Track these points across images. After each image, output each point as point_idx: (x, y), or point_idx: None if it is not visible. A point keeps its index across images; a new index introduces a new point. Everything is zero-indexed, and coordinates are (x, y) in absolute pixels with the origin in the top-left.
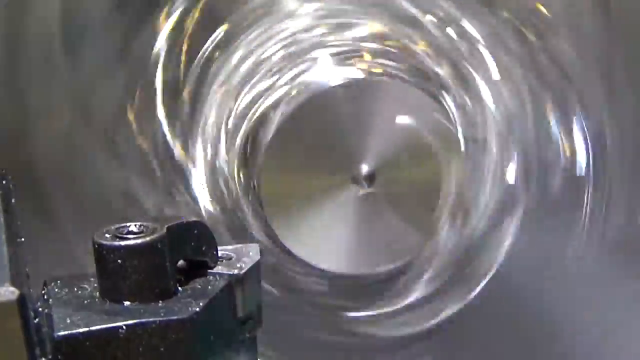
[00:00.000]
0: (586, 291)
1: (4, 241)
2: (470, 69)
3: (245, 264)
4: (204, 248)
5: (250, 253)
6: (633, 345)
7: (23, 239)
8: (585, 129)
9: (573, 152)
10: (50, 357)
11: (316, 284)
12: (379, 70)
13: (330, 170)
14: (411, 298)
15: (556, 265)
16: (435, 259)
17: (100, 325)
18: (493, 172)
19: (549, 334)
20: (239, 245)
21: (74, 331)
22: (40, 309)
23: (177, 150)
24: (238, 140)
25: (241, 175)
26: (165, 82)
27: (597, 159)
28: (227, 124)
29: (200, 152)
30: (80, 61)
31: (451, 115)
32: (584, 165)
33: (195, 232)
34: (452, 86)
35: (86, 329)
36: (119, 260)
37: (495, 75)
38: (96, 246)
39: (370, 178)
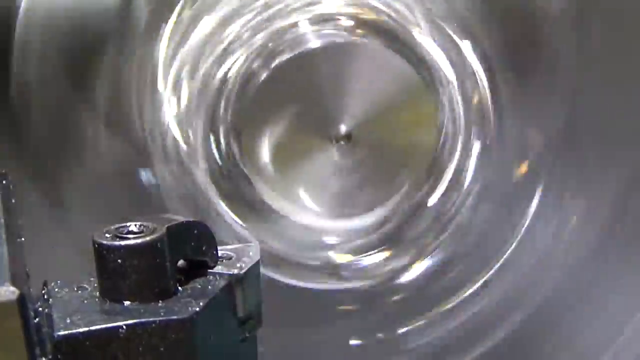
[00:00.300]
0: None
1: (4, 241)
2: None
3: (246, 264)
4: (204, 248)
5: (250, 253)
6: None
7: (23, 239)
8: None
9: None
10: (50, 357)
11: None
12: (357, 33)
13: (309, 129)
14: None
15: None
16: (416, 217)
17: (100, 325)
18: (465, 135)
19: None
20: (239, 245)
21: (74, 331)
22: (40, 309)
23: (171, 115)
24: (222, 102)
25: (225, 135)
26: (164, 57)
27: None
28: (211, 86)
29: (188, 114)
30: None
31: (428, 78)
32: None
33: (195, 232)
34: (428, 52)
35: (86, 329)
36: (119, 260)
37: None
38: (96, 246)
39: (348, 137)
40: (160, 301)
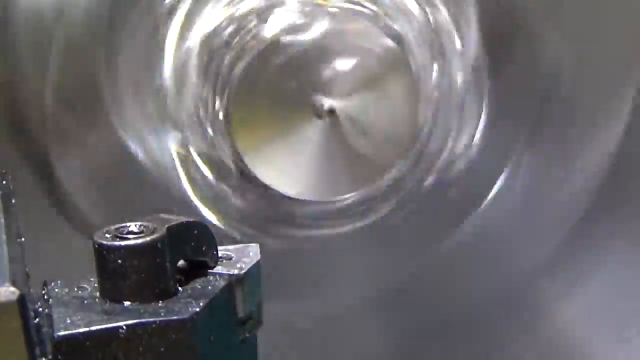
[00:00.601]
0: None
1: (4, 241)
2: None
3: (246, 264)
4: (204, 248)
5: (251, 253)
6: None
7: (23, 239)
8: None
9: None
10: (50, 357)
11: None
12: (343, 10)
13: (295, 104)
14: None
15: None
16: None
17: (100, 325)
18: (447, 108)
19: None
20: (239, 245)
21: (74, 331)
22: (40, 309)
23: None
24: (212, 76)
25: (214, 107)
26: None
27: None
28: (201, 60)
29: (180, 88)
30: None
31: (412, 54)
32: None
33: (196, 232)
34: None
35: (86, 329)
36: (119, 260)
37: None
38: (96, 246)
39: (331, 111)
40: (160, 301)
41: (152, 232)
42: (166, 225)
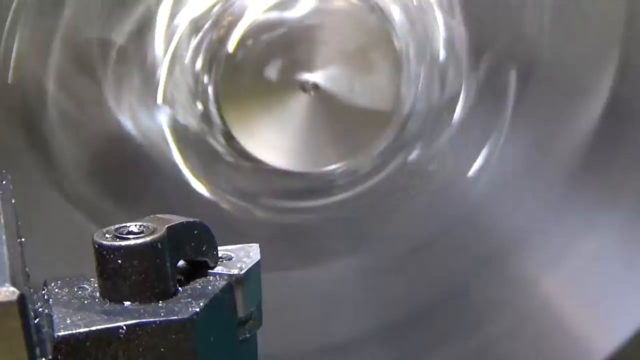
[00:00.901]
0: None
1: (4, 241)
2: None
3: (246, 264)
4: (204, 248)
5: (251, 253)
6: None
7: (23, 239)
8: None
9: None
10: (50, 357)
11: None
12: None
13: (281, 79)
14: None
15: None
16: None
17: (100, 325)
18: (427, 85)
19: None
20: (239, 245)
21: (74, 331)
22: (40, 309)
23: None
24: (201, 53)
25: (204, 83)
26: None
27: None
28: (191, 38)
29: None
30: None
31: (395, 31)
32: None
33: (196, 232)
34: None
35: (86, 329)
36: (119, 261)
37: None
38: (96, 246)
39: (316, 86)
40: (160, 302)
41: (152, 233)
42: (166, 226)
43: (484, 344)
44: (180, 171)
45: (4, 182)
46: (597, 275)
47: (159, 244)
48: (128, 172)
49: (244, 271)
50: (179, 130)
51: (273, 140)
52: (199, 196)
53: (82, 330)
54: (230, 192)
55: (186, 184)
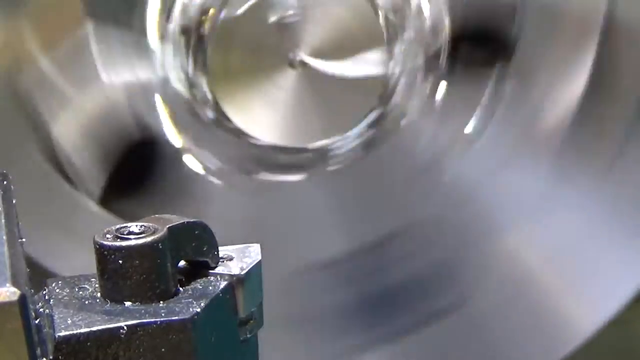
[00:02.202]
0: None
1: (5, 241)
2: None
3: (246, 265)
4: (205, 248)
5: (251, 254)
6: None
7: (23, 239)
8: None
9: None
10: (51, 357)
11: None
12: None
13: (270, 55)
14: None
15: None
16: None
17: (101, 325)
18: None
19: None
20: (240, 246)
21: (75, 331)
22: (41, 310)
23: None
24: (194, 29)
25: (195, 58)
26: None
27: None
28: (185, 15)
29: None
30: None
31: (381, 13)
32: None
33: (197, 232)
34: None
35: (87, 330)
36: (120, 261)
37: None
38: (97, 247)
39: (304, 62)
40: (161, 302)
41: (153, 233)
42: (167, 226)
43: (471, 319)
44: (171, 143)
45: (4, 182)
46: (583, 252)
47: (159, 244)
48: (121, 145)
49: (244, 271)
50: (171, 104)
51: (260, 115)
52: (189, 169)
53: (83, 330)
54: (219, 165)
55: (176, 156)
